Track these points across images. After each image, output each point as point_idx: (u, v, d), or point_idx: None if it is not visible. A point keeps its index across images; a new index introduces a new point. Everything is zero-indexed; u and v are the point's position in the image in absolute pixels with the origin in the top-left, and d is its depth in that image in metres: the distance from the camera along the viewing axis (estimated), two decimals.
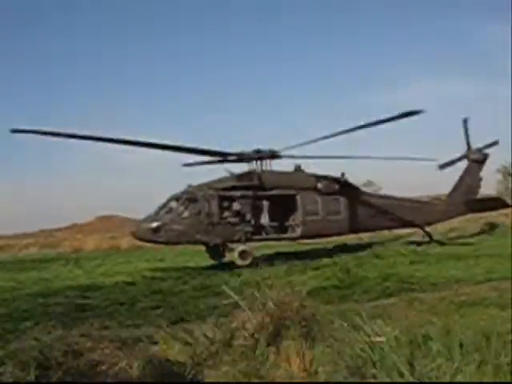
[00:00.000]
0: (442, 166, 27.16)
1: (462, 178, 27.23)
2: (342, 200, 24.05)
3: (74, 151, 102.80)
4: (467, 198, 26.71)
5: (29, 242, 48.93)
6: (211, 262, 23.03)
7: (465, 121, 26.51)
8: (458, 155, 27.34)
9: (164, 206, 22.24)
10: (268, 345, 6.42)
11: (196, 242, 21.87)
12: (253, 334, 6.65)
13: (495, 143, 26.89)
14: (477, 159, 26.99)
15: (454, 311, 9.48)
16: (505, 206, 28.00)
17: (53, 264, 26.31)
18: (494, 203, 27.98)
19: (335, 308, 10.13)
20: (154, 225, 21.35)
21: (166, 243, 21.63)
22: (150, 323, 10.05)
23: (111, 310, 12.43)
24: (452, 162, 27.39)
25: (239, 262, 20.99)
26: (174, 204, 22.07)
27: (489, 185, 51.17)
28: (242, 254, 21.40)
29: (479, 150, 26.96)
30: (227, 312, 8.37)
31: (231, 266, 20.94)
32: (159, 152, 23.22)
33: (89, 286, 16.87)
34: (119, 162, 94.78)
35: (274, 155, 23.36)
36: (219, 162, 23.82)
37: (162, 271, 20.77)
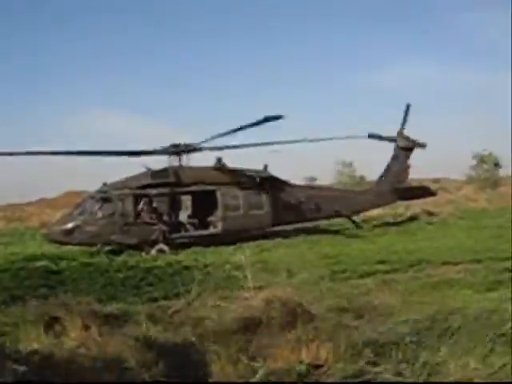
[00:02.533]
0: (372, 136, 26.61)
1: (389, 166, 26.93)
2: (265, 194, 23.71)
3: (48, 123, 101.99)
4: (395, 186, 26.47)
5: None
6: None
7: (407, 106, 26.05)
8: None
9: (78, 206, 21.87)
10: None
11: (111, 243, 21.50)
12: None
13: (423, 145, 26.58)
14: (405, 146, 26.67)
15: None
16: (431, 194, 27.80)
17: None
18: (422, 192, 27.75)
19: None
20: (67, 226, 20.94)
21: (80, 245, 21.22)
22: None
23: None
24: (381, 137, 26.84)
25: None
26: (88, 204, 21.66)
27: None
28: (159, 251, 21.09)
29: (408, 138, 26.61)
30: None
31: None
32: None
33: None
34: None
35: (191, 149, 22.97)
36: (134, 155, 23.32)
37: None
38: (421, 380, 4.79)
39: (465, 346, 5.45)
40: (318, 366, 4.88)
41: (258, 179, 23.46)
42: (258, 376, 4.67)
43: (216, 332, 5.31)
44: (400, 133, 26.50)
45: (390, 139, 26.61)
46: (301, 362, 4.83)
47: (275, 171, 24.46)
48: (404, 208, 31.75)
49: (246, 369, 4.80)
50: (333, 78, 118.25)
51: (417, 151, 26.94)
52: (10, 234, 30.84)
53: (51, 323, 7.87)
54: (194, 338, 5.41)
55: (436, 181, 49.00)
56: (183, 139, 22.89)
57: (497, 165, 51.30)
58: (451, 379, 4.78)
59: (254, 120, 20.24)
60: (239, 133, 21.39)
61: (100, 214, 21.27)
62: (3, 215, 50.31)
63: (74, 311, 8.02)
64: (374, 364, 5.03)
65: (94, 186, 23.04)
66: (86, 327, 7.74)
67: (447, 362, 5.12)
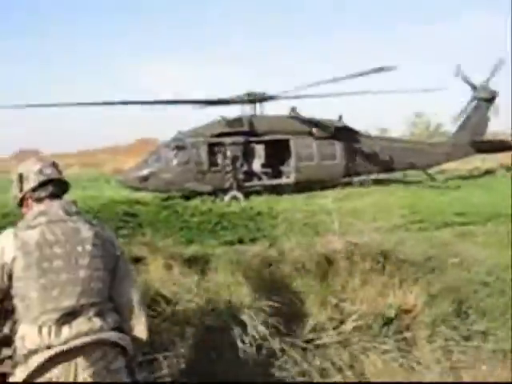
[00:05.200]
0: (456, 119, 26.14)
1: (468, 118, 26.09)
2: (338, 144, 23.49)
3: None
4: (473, 138, 25.68)
5: (70, 162, 50.31)
6: None
7: (500, 60, 25.07)
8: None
9: (153, 153, 22.27)
10: None
11: (186, 190, 21.84)
12: None
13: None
14: (485, 97, 25.73)
15: None
16: (511, 148, 26.78)
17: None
18: (501, 145, 26.78)
19: None
20: (143, 173, 21.43)
21: (155, 191, 21.66)
22: None
23: None
24: (465, 111, 26.15)
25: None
26: (163, 152, 22.02)
27: None
28: (233, 198, 21.35)
29: (488, 88, 25.63)
30: None
31: None
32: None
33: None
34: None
35: (266, 97, 22.91)
36: (209, 104, 23.49)
37: None
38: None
39: None
40: (406, 311, 4.86)
41: (332, 129, 23.22)
42: (351, 319, 4.68)
43: (298, 274, 5.33)
44: (484, 84, 25.59)
45: (472, 85, 25.72)
46: (390, 307, 4.82)
47: (350, 121, 24.20)
48: (480, 161, 30.76)
49: (334, 310, 4.82)
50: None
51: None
52: (85, 179, 31.84)
53: (135, 263, 8.09)
54: (277, 279, 5.44)
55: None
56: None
57: None
58: None
59: None
60: (314, 82, 21.12)
61: (175, 162, 21.58)
62: (77, 161, 52.06)
63: (156, 251, 8.22)
64: (461, 312, 4.97)
65: (165, 135, 23.39)
66: (169, 267, 7.93)
67: None
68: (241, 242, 11.66)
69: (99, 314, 3.07)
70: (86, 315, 3.02)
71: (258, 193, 21.68)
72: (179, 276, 7.44)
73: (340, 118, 23.81)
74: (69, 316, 2.96)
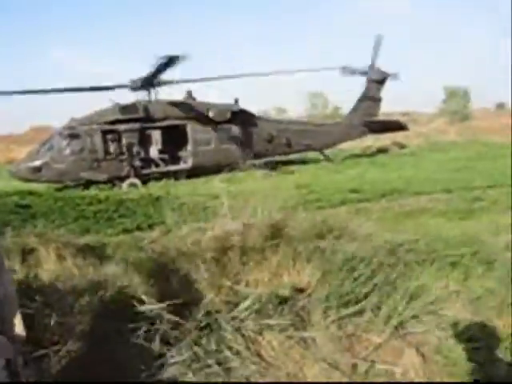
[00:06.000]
0: (345, 71, 26.50)
1: (361, 99, 26.90)
2: (235, 128, 23.56)
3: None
4: (366, 119, 26.50)
5: None
6: None
7: (378, 38, 25.66)
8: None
9: (46, 142, 21.45)
10: None
11: (81, 180, 21.21)
12: None
13: (395, 76, 26.39)
14: (376, 79, 26.56)
15: None
16: (402, 128, 27.91)
17: None
18: (393, 125, 27.82)
19: None
20: (35, 164, 20.63)
21: (48, 182, 20.88)
22: None
23: None
24: (353, 71, 26.70)
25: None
26: (55, 140, 21.25)
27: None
28: (131, 186, 20.99)
29: (380, 71, 26.45)
30: None
31: None
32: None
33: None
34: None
35: (161, 82, 22.55)
36: (105, 89, 22.84)
37: None
38: (403, 302, 4.81)
39: (443, 270, 5.50)
40: (301, 290, 4.88)
41: (228, 113, 23.23)
42: (246, 302, 4.63)
43: (193, 259, 5.24)
44: (372, 65, 26.30)
45: (362, 72, 26.42)
46: (284, 286, 4.82)
47: (247, 104, 24.32)
48: (373, 140, 31.86)
49: (228, 293, 4.77)
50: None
51: (388, 84, 26.93)
52: None
53: (26, 255, 7.75)
54: (172, 265, 5.33)
55: (406, 114, 49.14)
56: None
57: (467, 98, 51.66)
58: (432, 299, 4.83)
59: None
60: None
61: (68, 151, 20.94)
62: None
63: (48, 242, 7.90)
64: (354, 287, 5.04)
65: (60, 122, 22.64)
66: (61, 258, 7.65)
67: (427, 284, 5.17)
68: (139, 228, 11.49)
69: None
70: None
71: (157, 179, 21.41)
72: (73, 267, 7.18)
73: (236, 101, 23.89)
74: None
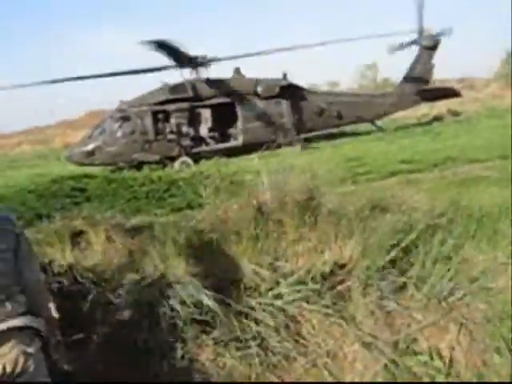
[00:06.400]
0: (393, 50, 25.97)
1: (412, 67, 26.18)
2: (285, 102, 23.36)
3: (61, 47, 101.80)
4: (418, 87, 25.80)
5: (20, 140, 49.24)
6: None
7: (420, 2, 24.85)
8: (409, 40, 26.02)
9: (98, 126, 21.80)
10: None
11: (133, 162, 21.49)
12: None
13: (449, 31, 25.50)
14: (428, 45, 25.76)
15: None
16: (456, 95, 27.05)
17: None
18: (446, 92, 27.00)
19: None
20: (88, 148, 21.03)
21: (102, 165, 21.25)
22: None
23: None
24: (402, 46, 26.06)
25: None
26: (107, 124, 21.58)
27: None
28: (183, 164, 21.14)
29: (431, 36, 25.65)
30: None
31: None
32: None
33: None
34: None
35: (208, 60, 22.54)
36: (153, 71, 23.01)
37: None
38: (448, 276, 4.64)
39: (490, 241, 5.28)
40: (342, 266, 4.78)
41: (277, 88, 23.05)
42: (286, 280, 4.57)
43: (233, 236, 5.20)
44: (420, 31, 25.51)
45: (412, 42, 25.71)
46: (324, 263, 4.72)
47: (297, 78, 24.09)
48: (428, 108, 31.08)
49: (268, 269, 4.71)
50: None
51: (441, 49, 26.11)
52: (34, 157, 31.15)
53: (76, 237, 7.89)
54: (212, 244, 5.30)
55: (461, 80, 47.61)
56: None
57: None
58: (479, 272, 4.65)
59: None
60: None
61: (120, 133, 21.22)
62: (26, 138, 50.98)
63: (97, 224, 8.02)
64: (401, 259, 4.91)
65: (113, 106, 22.92)
66: (110, 240, 7.75)
67: (474, 256, 4.98)
68: (190, 207, 11.53)
69: (9, 297, 2.92)
70: None
71: (208, 157, 21.47)
72: (122, 248, 7.26)
73: (284, 76, 23.65)
74: None
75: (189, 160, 21.44)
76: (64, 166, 22.23)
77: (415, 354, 4.01)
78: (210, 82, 22.46)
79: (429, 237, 5.02)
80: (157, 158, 21.46)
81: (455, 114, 29.97)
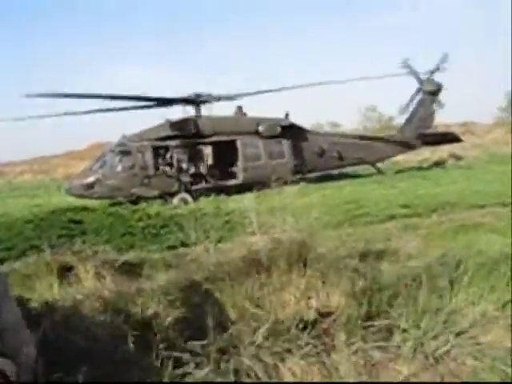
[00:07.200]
0: (402, 111, 26.43)
1: (414, 111, 26.33)
2: (286, 142, 23.41)
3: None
4: (420, 131, 25.91)
5: (23, 169, 49.49)
6: None
7: (444, 56, 25.16)
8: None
9: (98, 159, 21.82)
10: None
11: (132, 196, 21.41)
12: None
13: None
14: (430, 90, 25.96)
15: None
16: (457, 140, 27.12)
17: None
18: (447, 137, 27.10)
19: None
20: (88, 180, 20.98)
21: (101, 198, 21.18)
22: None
23: None
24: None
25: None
26: (108, 157, 21.59)
27: None
28: (181, 201, 21.09)
29: (432, 81, 25.84)
30: None
31: None
32: None
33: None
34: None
35: (211, 98, 22.69)
36: (155, 106, 23.17)
37: None
38: (436, 328, 4.50)
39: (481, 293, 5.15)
40: (327, 314, 4.66)
41: (278, 127, 23.13)
42: (265, 327, 4.46)
43: (221, 278, 5.10)
44: (428, 78, 25.78)
45: (418, 79, 25.90)
46: (309, 310, 4.60)
47: (298, 118, 24.20)
48: (430, 153, 31.16)
49: (251, 317, 4.59)
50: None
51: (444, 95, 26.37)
52: (35, 187, 31.17)
53: (65, 272, 7.79)
54: (199, 287, 5.20)
55: (463, 124, 47.83)
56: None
57: None
58: (468, 324, 4.51)
59: None
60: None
61: (120, 167, 21.23)
62: (30, 168, 51.24)
63: (87, 260, 7.93)
64: (389, 307, 4.79)
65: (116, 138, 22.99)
66: (100, 276, 7.66)
67: (463, 308, 4.85)
68: (184, 245, 11.41)
69: None
70: None
71: (207, 194, 21.43)
72: (110, 285, 7.13)
73: (286, 115, 23.80)
74: None
75: (187, 196, 21.40)
76: (63, 197, 22.23)
77: None
78: (211, 120, 22.55)
79: (418, 285, 4.90)
80: (156, 193, 21.38)
81: (458, 158, 30.05)
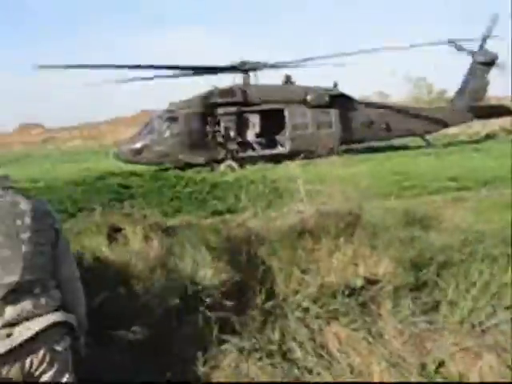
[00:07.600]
0: (452, 45, 25.17)
1: (466, 83, 25.64)
2: (334, 112, 23.21)
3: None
4: (471, 104, 25.24)
5: (74, 135, 50.54)
6: None
7: (494, 17, 24.22)
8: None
9: (146, 125, 22.08)
10: None
11: (179, 162, 21.63)
12: None
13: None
14: (483, 61, 25.19)
15: None
16: (510, 113, 26.28)
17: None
18: (500, 110, 26.30)
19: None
20: (136, 146, 21.30)
21: (149, 164, 21.49)
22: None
23: None
24: (461, 48, 25.21)
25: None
26: (156, 124, 21.83)
27: None
28: (228, 168, 21.23)
29: (487, 51, 25.06)
30: None
31: None
32: None
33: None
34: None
35: (259, 66, 22.61)
36: (203, 73, 23.22)
37: None
38: (484, 300, 4.45)
39: None
40: (374, 282, 4.66)
41: (327, 97, 22.93)
42: (313, 292, 4.50)
43: (269, 242, 5.15)
44: (480, 46, 25.01)
45: (470, 52, 25.14)
46: (356, 277, 4.62)
47: (347, 88, 23.91)
48: (481, 126, 30.41)
49: (298, 282, 4.64)
50: None
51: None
52: (84, 152, 31.76)
53: (114, 233, 7.94)
54: (245, 251, 5.24)
55: None
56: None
57: None
58: None
59: None
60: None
61: (168, 134, 21.40)
62: (79, 134, 52.19)
63: (136, 222, 8.06)
64: (437, 277, 4.76)
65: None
66: (148, 239, 7.78)
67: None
68: (230, 211, 11.52)
69: (44, 291, 2.92)
70: (31, 292, 2.85)
71: (254, 162, 21.47)
72: (158, 248, 7.25)
73: (335, 85, 23.54)
74: (13, 293, 2.78)
75: (234, 164, 21.50)
76: (112, 163, 22.61)
77: (443, 378, 3.86)
78: (259, 88, 22.49)
79: (468, 257, 4.85)
80: (203, 160, 21.57)
81: (509, 132, 29.26)
